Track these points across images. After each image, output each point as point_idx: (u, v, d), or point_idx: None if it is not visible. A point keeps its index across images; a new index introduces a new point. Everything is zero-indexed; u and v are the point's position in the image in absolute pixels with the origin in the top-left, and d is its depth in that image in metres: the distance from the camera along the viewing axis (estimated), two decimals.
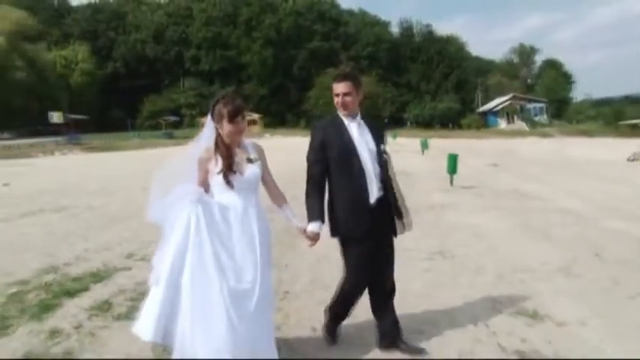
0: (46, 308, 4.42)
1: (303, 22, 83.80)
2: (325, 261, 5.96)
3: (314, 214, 3.50)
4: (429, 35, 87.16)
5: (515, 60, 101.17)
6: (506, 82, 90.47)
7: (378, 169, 3.56)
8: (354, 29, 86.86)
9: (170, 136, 56.31)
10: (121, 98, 78.15)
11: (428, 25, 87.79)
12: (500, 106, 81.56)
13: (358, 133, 3.58)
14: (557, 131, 67.74)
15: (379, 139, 3.64)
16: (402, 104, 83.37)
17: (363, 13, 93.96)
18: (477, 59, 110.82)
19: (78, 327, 4.06)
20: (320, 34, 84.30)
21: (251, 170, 3.29)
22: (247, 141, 3.41)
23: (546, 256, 6.69)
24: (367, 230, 3.51)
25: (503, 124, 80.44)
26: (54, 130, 50.56)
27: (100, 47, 79.99)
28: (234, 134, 3.26)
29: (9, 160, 29.27)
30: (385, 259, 3.69)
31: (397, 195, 3.65)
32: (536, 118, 79.46)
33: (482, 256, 6.74)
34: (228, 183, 3.18)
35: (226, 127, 3.22)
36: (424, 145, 28.57)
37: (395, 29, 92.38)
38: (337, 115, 3.65)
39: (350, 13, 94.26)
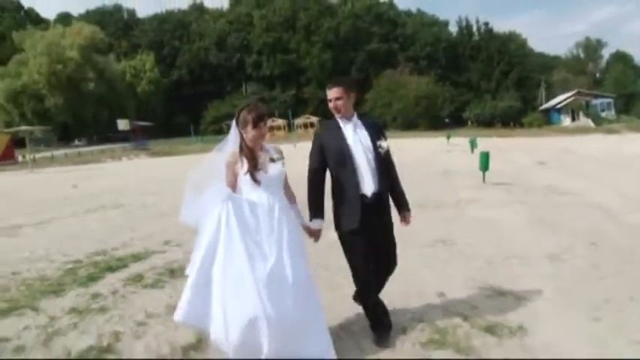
0: (91, 279, 5.55)
1: (361, 25, 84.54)
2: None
3: (315, 212, 3.84)
4: (489, 33, 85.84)
5: (582, 55, 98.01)
6: (571, 78, 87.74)
7: (373, 165, 3.83)
8: (411, 30, 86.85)
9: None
10: (185, 104, 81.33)
11: (486, 23, 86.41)
12: (564, 103, 79.17)
13: (353, 133, 3.88)
14: (624, 127, 65.23)
15: (376, 137, 3.92)
16: (462, 104, 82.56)
17: (420, 14, 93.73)
18: (541, 55, 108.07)
19: (114, 292, 5.14)
20: (378, 36, 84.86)
21: (275, 168, 3.59)
22: (268, 145, 3.72)
23: (543, 245, 7.23)
24: (362, 223, 3.78)
25: (567, 121, 77.99)
26: (123, 137, 53.62)
27: (165, 56, 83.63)
28: (258, 138, 3.56)
29: (81, 165, 31.67)
30: (386, 248, 4.02)
31: (400, 187, 4.07)
32: (603, 114, 76.67)
33: (483, 245, 7.35)
34: (256, 180, 3.46)
35: (250, 132, 3.53)
36: (473, 145, 28.79)
37: (453, 28, 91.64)
38: (334, 119, 3.98)
39: (408, 13, 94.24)
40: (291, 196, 3.83)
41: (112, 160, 36.19)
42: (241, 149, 3.56)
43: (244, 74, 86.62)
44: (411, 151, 29.08)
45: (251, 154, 3.54)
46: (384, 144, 3.93)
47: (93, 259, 6.58)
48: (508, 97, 79.40)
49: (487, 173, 15.50)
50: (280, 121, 69.52)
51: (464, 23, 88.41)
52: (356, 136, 3.88)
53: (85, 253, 6.94)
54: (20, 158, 38.19)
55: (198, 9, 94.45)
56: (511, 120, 78.07)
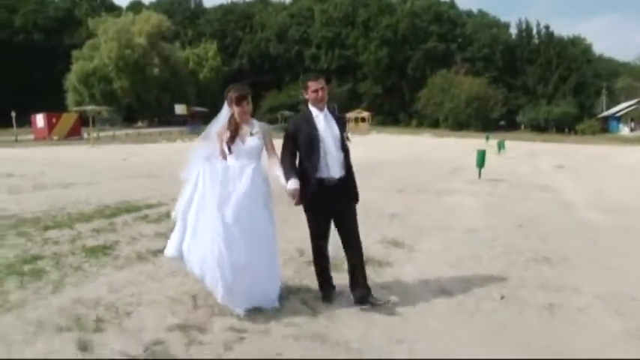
0: (112, 215, 7.93)
1: (420, 23, 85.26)
2: None
3: (288, 174, 4.27)
4: (548, 37, 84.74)
5: None
6: (637, 86, 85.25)
7: (341, 153, 4.36)
8: (470, 30, 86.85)
9: (284, 129, 60.59)
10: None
11: (547, 27, 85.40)
12: (624, 111, 77.54)
13: (324, 123, 4.36)
14: None
15: (343, 128, 4.45)
16: (516, 107, 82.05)
17: (482, 15, 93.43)
18: (610, 61, 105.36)
19: (125, 223, 7.41)
20: (436, 35, 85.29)
21: (251, 141, 4.27)
22: (255, 121, 4.40)
23: (473, 223, 8.98)
24: (328, 202, 4.37)
25: (625, 130, 76.32)
26: (182, 121, 56.99)
27: (227, 45, 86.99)
28: (241, 114, 4.26)
29: (138, 144, 34.75)
30: (350, 226, 4.53)
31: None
32: None
33: (427, 220, 9.13)
34: (229, 149, 4.22)
35: (235, 109, 4.25)
36: (500, 147, 30.10)
37: (514, 31, 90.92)
38: (308, 110, 4.45)
39: (468, 14, 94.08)
40: (273, 164, 4.41)
41: (167, 142, 39.12)
42: (229, 123, 4.28)
43: (302, 66, 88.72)
44: (443, 149, 30.40)
45: (234, 128, 4.26)
46: (349, 135, 4.54)
47: (118, 205, 8.90)
48: (564, 103, 78.28)
49: (487, 171, 17.10)
50: (365, 114, 71.71)
51: (524, 26, 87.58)
52: (327, 126, 4.36)
53: (114, 201, 9.37)
54: (85, 135, 41.86)
55: (262, 1, 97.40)
56: (566, 126, 77.07)
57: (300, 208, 4.52)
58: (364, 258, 4.67)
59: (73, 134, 43.22)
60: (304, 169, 4.37)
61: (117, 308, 4.14)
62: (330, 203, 4.39)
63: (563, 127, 76.54)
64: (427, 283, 5.32)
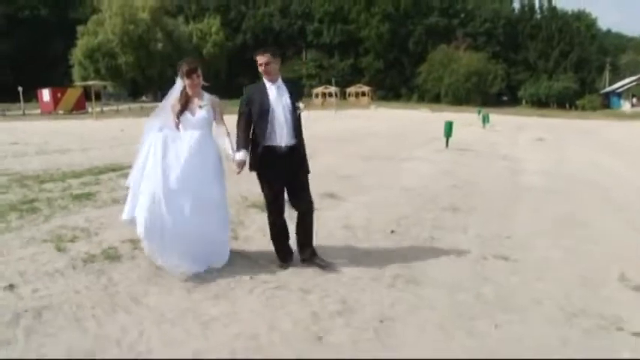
0: (99, 172, 9.45)
1: None
2: None
3: (240, 145, 4.55)
4: (551, 11, 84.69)
5: None
6: None
7: (290, 121, 4.56)
8: (472, 5, 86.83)
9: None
10: (248, 67, 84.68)
11: (549, 1, 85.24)
12: (626, 87, 77.67)
13: (276, 94, 4.56)
14: None
15: (295, 99, 4.62)
16: (518, 82, 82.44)
17: None
18: (617, 36, 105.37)
19: (109, 179, 8.85)
20: (438, 10, 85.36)
21: (200, 113, 4.53)
22: (207, 95, 4.62)
23: (414, 183, 10.30)
24: (279, 169, 4.60)
25: (627, 105, 76.58)
26: None
27: (231, 20, 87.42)
28: (191, 87, 4.48)
29: (141, 117, 36.06)
30: (300, 188, 4.76)
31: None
32: None
33: (373, 180, 10.45)
34: (178, 120, 4.51)
35: (186, 81, 4.48)
36: (485, 120, 31.06)
37: (517, 5, 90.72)
38: (263, 81, 4.64)
39: None
40: (221, 132, 4.70)
41: None
42: (181, 95, 4.55)
43: (305, 41, 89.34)
44: (430, 123, 31.41)
45: (184, 100, 4.53)
46: (301, 105, 4.66)
47: (106, 166, 10.40)
48: (565, 78, 78.55)
49: (460, 142, 18.41)
50: (332, 89, 72.43)
51: (526, 1, 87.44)
52: (278, 96, 4.56)
53: (104, 164, 10.86)
54: (89, 109, 43.28)
55: None
56: (567, 102, 77.52)
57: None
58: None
59: (78, 108, 44.64)
60: (255, 136, 4.60)
61: (89, 230, 5.63)
62: (279, 170, 4.62)
63: (564, 102, 76.94)
64: (340, 223, 6.71)
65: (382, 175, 11.27)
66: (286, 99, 4.62)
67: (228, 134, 4.73)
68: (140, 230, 4.36)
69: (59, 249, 4.99)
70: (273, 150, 4.58)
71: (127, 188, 4.66)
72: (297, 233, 4.91)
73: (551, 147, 21.43)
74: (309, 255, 4.89)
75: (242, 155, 4.55)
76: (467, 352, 3.47)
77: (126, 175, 8.99)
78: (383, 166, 12.75)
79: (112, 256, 4.85)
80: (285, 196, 4.89)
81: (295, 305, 4.06)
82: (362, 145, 17.59)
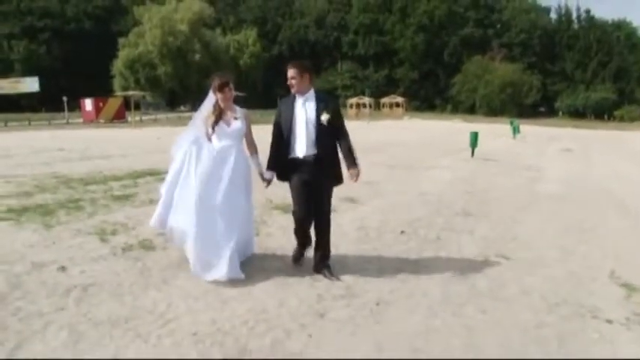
0: (138, 177, 10.20)
1: (457, 9, 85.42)
2: None
3: (270, 164, 4.89)
4: (589, 21, 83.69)
5: None
6: None
7: (312, 133, 4.69)
8: (508, 16, 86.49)
9: None
10: (284, 78, 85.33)
11: (588, 11, 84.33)
12: None
13: (301, 106, 4.73)
14: None
15: (321, 111, 4.70)
16: (555, 93, 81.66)
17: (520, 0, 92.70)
18: None
19: (146, 182, 9.60)
20: (473, 21, 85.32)
21: (235, 124, 4.70)
22: (238, 108, 4.80)
23: (431, 189, 10.78)
24: (302, 179, 4.77)
25: None
26: None
27: (267, 32, 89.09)
28: (223, 100, 4.65)
29: (178, 127, 37.33)
30: (320, 200, 4.87)
31: (347, 151, 4.90)
32: None
33: (393, 186, 11.00)
34: (213, 130, 4.64)
35: (218, 95, 4.65)
36: (515, 130, 31.19)
37: (554, 16, 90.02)
38: (292, 94, 4.81)
39: None
40: (251, 148, 4.97)
41: None
42: (214, 107, 4.72)
43: (340, 52, 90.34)
44: (461, 134, 31.55)
45: (218, 111, 4.69)
46: (324, 117, 4.71)
47: (144, 171, 11.25)
48: (602, 89, 77.43)
49: (487, 151, 18.79)
50: (367, 100, 73.05)
51: (563, 11, 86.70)
52: (302, 109, 4.74)
53: (142, 168, 11.72)
54: (129, 118, 44.86)
55: None
56: (605, 112, 76.33)
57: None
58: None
59: (118, 117, 46.30)
60: (285, 147, 4.82)
61: (127, 225, 6.36)
62: (304, 179, 4.77)
63: (602, 113, 75.78)
64: (355, 224, 7.28)
65: (402, 181, 11.79)
66: (310, 111, 4.73)
67: (256, 151, 5.00)
68: (176, 240, 4.76)
69: (102, 239, 5.73)
70: (294, 161, 4.78)
71: (160, 195, 4.86)
72: (315, 249, 5.11)
73: (577, 157, 21.57)
74: (322, 271, 5.03)
75: (269, 175, 4.90)
76: (448, 327, 4.01)
77: (161, 180, 9.83)
78: (405, 174, 13.26)
79: (146, 246, 5.53)
80: None
81: (304, 289, 4.65)
82: (389, 155, 18.11)
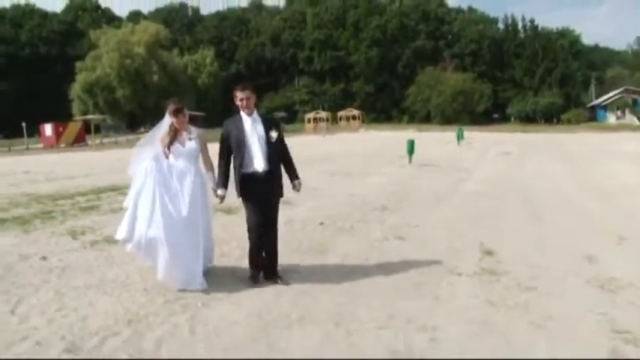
0: (101, 192, 11.49)
1: (408, 22, 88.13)
2: None
3: (220, 183, 5.21)
4: (533, 30, 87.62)
5: None
6: (627, 75, 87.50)
7: (265, 149, 5.08)
8: (458, 27, 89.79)
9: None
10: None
11: (532, 20, 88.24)
12: (610, 100, 79.67)
13: (251, 126, 5.11)
14: None
15: (269, 129, 5.14)
16: (505, 100, 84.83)
17: (470, 11, 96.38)
18: (606, 51, 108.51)
19: (108, 196, 10.94)
20: (425, 33, 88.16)
21: (189, 144, 5.11)
22: (194, 128, 5.22)
23: (359, 192, 12.32)
24: (254, 192, 5.12)
25: (612, 118, 78.50)
26: None
27: (224, 51, 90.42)
28: (178, 124, 5.08)
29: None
30: (271, 212, 5.32)
31: (290, 165, 5.47)
32: None
33: (329, 190, 12.49)
34: (169, 150, 5.04)
35: (173, 119, 5.08)
36: (459, 137, 32.87)
37: (501, 26, 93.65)
38: (239, 115, 5.18)
39: (458, 10, 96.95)
40: (207, 165, 5.37)
41: None
42: (170, 129, 5.11)
43: (297, 69, 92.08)
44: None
45: (174, 133, 5.08)
46: (273, 134, 5.16)
47: (107, 187, 12.56)
48: (549, 94, 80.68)
49: (426, 158, 20.53)
50: (324, 114, 74.96)
51: (509, 21, 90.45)
52: (253, 128, 5.10)
53: (104, 185, 13.01)
54: (90, 142, 45.61)
55: (257, 7, 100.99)
56: (553, 117, 79.62)
57: None
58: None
59: (79, 141, 46.99)
60: (237, 165, 5.13)
61: (93, 228, 7.78)
62: (257, 192, 5.13)
63: (551, 117, 79.08)
64: (284, 219, 8.73)
65: (338, 186, 13.33)
66: (260, 129, 5.13)
67: (212, 168, 5.39)
68: (137, 251, 5.05)
69: (74, 238, 7.18)
70: (251, 176, 5.10)
71: (123, 208, 5.24)
72: (265, 257, 5.44)
73: (512, 159, 23.41)
74: (273, 278, 5.44)
75: (222, 192, 5.24)
76: (338, 283, 5.51)
77: (122, 194, 11.19)
78: (344, 180, 14.80)
79: (110, 241, 6.90)
80: None
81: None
82: (335, 164, 19.69)
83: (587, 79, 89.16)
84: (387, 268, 6.11)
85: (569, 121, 77.18)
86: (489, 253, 6.80)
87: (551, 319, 4.54)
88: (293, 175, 5.52)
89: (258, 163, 5.10)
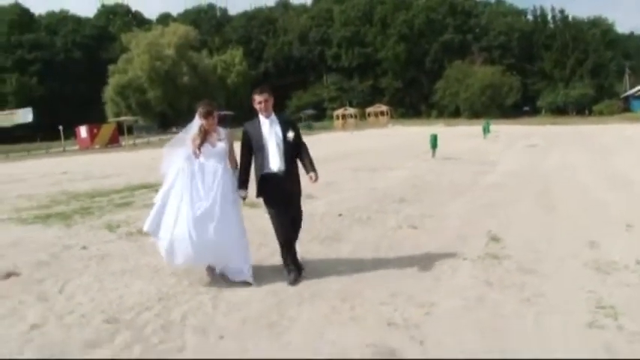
0: (134, 189, 12.26)
1: (435, 17, 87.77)
2: None
3: (240, 184, 5.37)
4: (563, 21, 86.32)
5: None
6: None
7: (282, 150, 5.25)
8: (486, 20, 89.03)
9: (309, 127, 64.43)
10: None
11: (562, 11, 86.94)
12: None
13: (269, 127, 5.28)
14: None
15: (287, 130, 5.32)
16: (536, 92, 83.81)
17: (497, 3, 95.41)
18: None
19: (142, 193, 11.65)
20: (452, 27, 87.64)
21: (219, 145, 5.26)
22: (222, 129, 5.37)
23: (380, 185, 12.78)
24: (274, 192, 5.31)
25: None
26: None
27: (252, 50, 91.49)
28: (208, 125, 5.22)
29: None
30: (296, 207, 5.58)
31: (307, 161, 5.55)
32: None
33: (350, 185, 13.01)
34: (200, 150, 5.16)
35: (203, 121, 5.23)
36: (485, 130, 32.80)
37: (530, 17, 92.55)
38: (257, 117, 5.34)
39: (485, 3, 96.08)
40: (233, 164, 5.48)
41: None
42: (199, 130, 5.24)
43: (325, 66, 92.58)
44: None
45: (203, 134, 5.21)
46: (290, 134, 5.32)
47: (140, 185, 13.32)
48: (581, 86, 79.51)
49: (450, 151, 20.85)
50: (352, 110, 75.34)
51: (538, 12, 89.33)
52: (271, 129, 5.27)
53: (138, 183, 13.80)
54: (123, 143, 47.01)
55: (284, 5, 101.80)
56: (585, 108, 78.40)
57: None
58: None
59: (113, 142, 48.47)
60: (257, 166, 5.32)
61: (128, 222, 8.44)
62: (279, 192, 5.30)
63: (583, 109, 77.82)
64: (305, 213, 9.27)
65: (360, 181, 13.81)
66: (278, 131, 5.29)
67: (237, 166, 5.51)
68: (164, 246, 5.17)
69: (110, 230, 7.89)
70: (270, 176, 5.28)
71: (154, 203, 5.42)
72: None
73: (537, 152, 23.46)
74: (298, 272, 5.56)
75: (242, 193, 5.41)
76: (349, 267, 6.02)
77: (154, 191, 11.85)
78: (367, 175, 15.25)
79: (143, 233, 7.47)
80: None
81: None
82: (360, 160, 20.16)
83: (621, 69, 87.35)
84: (396, 254, 6.58)
85: (601, 113, 75.71)
86: (496, 239, 7.18)
87: (542, 296, 4.95)
88: (310, 168, 5.55)
89: (276, 163, 5.27)
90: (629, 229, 7.60)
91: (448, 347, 3.90)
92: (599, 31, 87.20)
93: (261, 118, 5.33)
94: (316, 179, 5.56)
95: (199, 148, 5.19)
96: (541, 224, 8.21)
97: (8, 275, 5.66)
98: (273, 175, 5.27)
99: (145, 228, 5.35)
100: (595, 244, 6.79)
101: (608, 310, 4.54)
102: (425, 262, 6.18)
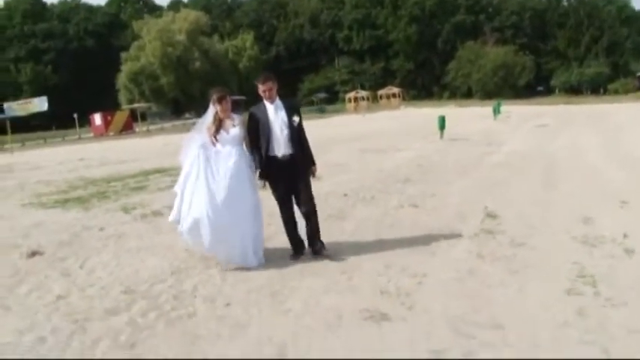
0: (148, 174, 12.71)
1: None
2: None
3: (256, 161, 5.50)
4: None
5: None
6: None
7: (287, 134, 5.40)
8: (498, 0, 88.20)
9: (322, 111, 64.58)
10: (283, 79, 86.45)
11: None
12: None
13: (274, 112, 5.43)
14: None
15: (291, 114, 5.46)
16: (549, 72, 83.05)
17: None
18: None
19: (155, 178, 12.09)
20: (464, 7, 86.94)
21: (233, 131, 5.35)
22: (235, 115, 5.44)
23: (388, 166, 13.12)
24: (282, 175, 5.49)
25: None
26: None
27: (264, 34, 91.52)
28: (222, 112, 5.30)
29: (183, 133, 40.02)
30: (302, 191, 5.61)
31: (306, 152, 5.65)
32: None
33: (357, 165, 13.37)
34: (215, 138, 5.27)
35: (217, 107, 5.31)
36: (496, 111, 32.72)
37: None
38: (263, 102, 5.49)
39: None
40: (247, 148, 5.54)
41: None
42: (214, 118, 5.34)
43: (336, 49, 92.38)
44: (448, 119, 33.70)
45: (218, 122, 5.32)
46: (296, 119, 5.46)
47: (154, 169, 13.77)
48: (596, 64, 78.60)
49: (458, 132, 21.06)
50: (364, 93, 75.34)
51: None
52: (276, 115, 5.41)
53: (151, 168, 14.31)
54: (137, 129, 47.62)
55: None
56: (600, 87, 77.54)
57: None
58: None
59: (127, 129, 49.11)
60: (263, 149, 5.44)
61: (143, 204, 8.88)
62: (282, 176, 5.47)
63: (598, 88, 76.93)
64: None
65: (368, 162, 14.16)
66: (282, 115, 5.42)
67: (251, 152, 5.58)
68: (185, 232, 5.31)
69: (126, 212, 8.34)
70: (274, 159, 5.43)
71: (174, 194, 5.57)
72: (307, 230, 5.76)
73: (546, 132, 23.48)
74: (318, 248, 5.74)
75: (261, 184, 5.63)
76: (350, 243, 6.39)
77: (168, 175, 12.31)
78: (374, 156, 15.56)
79: (157, 214, 8.01)
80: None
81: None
82: (369, 141, 20.46)
83: (638, 47, 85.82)
84: (396, 231, 6.91)
85: (616, 92, 74.79)
86: (493, 216, 7.48)
87: (529, 267, 5.28)
88: (309, 161, 5.73)
89: (281, 147, 5.41)
90: (624, 205, 7.84)
91: (435, 312, 4.26)
92: (614, 8, 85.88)
93: (267, 103, 5.47)
94: (315, 174, 5.92)
95: (215, 136, 5.31)
96: (539, 201, 8.46)
97: (33, 254, 6.13)
98: (278, 159, 5.43)
99: (170, 219, 5.56)
100: (589, 220, 7.03)
101: (588, 278, 4.84)
102: (423, 238, 6.50)
